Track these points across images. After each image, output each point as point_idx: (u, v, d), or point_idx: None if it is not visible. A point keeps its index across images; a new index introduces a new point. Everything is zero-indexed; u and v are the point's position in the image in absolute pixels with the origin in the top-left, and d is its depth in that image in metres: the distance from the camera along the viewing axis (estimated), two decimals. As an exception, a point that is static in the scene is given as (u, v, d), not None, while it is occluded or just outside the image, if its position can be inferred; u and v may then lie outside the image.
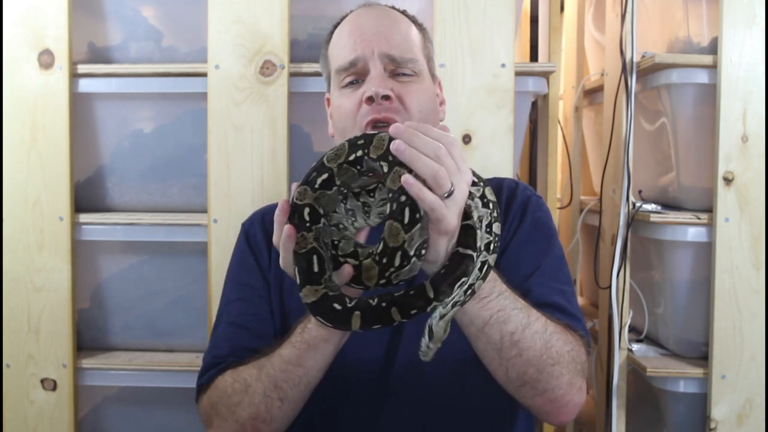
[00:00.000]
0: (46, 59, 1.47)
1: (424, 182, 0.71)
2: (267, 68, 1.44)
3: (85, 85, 1.50)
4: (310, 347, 0.88)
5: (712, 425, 1.52)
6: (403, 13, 1.10)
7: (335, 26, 1.10)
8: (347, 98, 1.03)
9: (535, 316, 0.87)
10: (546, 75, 1.57)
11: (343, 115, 1.03)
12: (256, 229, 1.12)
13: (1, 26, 1.47)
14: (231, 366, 0.99)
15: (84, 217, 1.51)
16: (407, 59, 1.02)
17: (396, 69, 1.02)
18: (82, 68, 1.49)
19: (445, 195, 0.72)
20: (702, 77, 1.52)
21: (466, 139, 1.43)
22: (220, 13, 1.44)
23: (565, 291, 1.01)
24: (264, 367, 0.93)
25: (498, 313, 0.83)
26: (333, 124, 1.09)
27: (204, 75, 1.46)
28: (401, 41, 1.03)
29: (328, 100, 1.12)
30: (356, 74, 1.03)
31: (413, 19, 1.10)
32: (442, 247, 0.74)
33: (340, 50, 1.05)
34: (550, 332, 0.88)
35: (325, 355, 0.88)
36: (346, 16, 1.09)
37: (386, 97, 0.98)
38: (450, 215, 0.72)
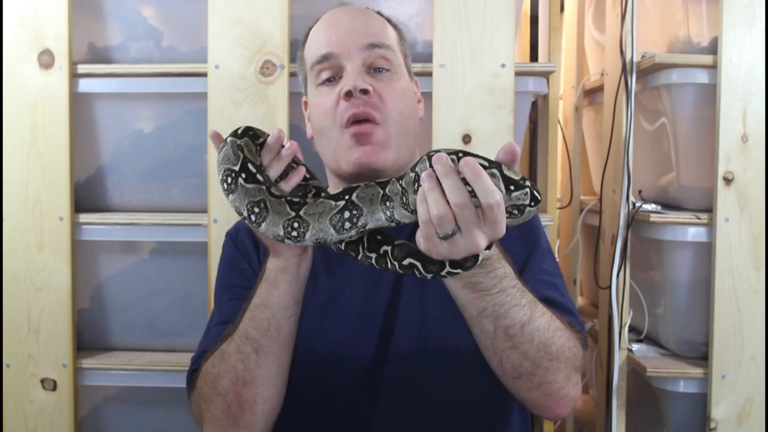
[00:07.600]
0: (46, 59, 1.47)
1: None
2: (267, 68, 1.44)
3: (85, 85, 1.50)
4: (270, 284, 0.89)
5: (712, 425, 1.52)
6: (378, 13, 1.10)
7: (310, 28, 1.09)
8: (325, 96, 1.02)
9: (540, 312, 0.86)
10: (546, 75, 1.57)
11: (321, 114, 1.02)
12: (244, 237, 1.11)
13: (1, 26, 1.47)
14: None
15: (84, 217, 1.51)
16: (386, 45, 1.02)
17: (374, 62, 1.01)
18: (82, 68, 1.49)
19: (443, 236, 0.71)
20: (702, 77, 1.52)
21: (466, 138, 1.43)
22: (220, 13, 1.44)
23: (557, 284, 1.01)
24: (236, 329, 0.93)
25: (494, 306, 0.82)
26: (311, 125, 1.08)
27: (204, 75, 1.46)
28: (377, 30, 1.04)
29: (305, 103, 1.12)
30: (331, 69, 1.02)
31: (388, 19, 1.11)
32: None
33: (314, 47, 1.04)
34: (553, 329, 0.87)
35: (286, 289, 0.89)
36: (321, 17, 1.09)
37: (365, 91, 0.98)
38: (439, 251, 0.72)
